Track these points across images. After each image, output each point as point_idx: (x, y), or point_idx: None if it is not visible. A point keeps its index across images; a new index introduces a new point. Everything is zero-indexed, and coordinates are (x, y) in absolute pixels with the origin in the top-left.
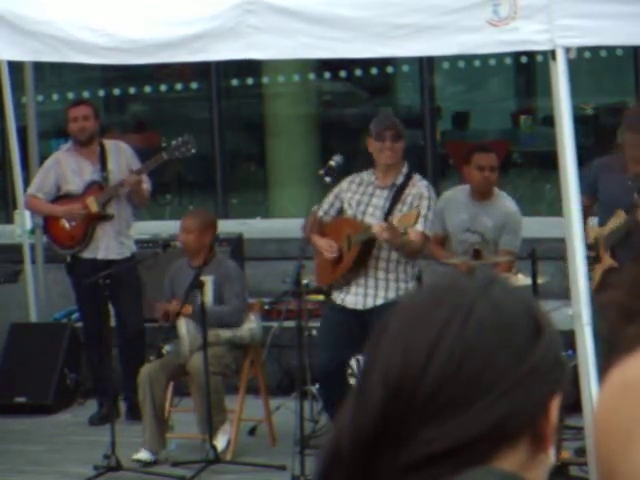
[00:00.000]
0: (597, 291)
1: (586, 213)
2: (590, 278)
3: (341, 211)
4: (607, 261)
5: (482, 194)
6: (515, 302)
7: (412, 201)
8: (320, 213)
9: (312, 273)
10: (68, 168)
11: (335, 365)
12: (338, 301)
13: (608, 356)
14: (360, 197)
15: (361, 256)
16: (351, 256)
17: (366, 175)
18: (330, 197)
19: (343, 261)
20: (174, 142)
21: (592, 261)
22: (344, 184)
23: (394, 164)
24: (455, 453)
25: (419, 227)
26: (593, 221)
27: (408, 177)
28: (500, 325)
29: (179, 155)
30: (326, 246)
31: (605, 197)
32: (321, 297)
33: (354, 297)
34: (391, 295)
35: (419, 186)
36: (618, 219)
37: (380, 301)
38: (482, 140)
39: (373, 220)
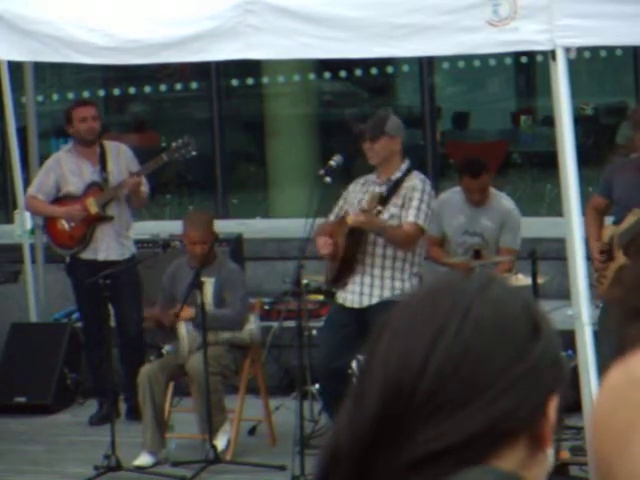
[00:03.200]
0: (610, 288)
1: (603, 213)
2: (604, 276)
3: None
4: (620, 259)
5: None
6: (513, 302)
7: (406, 193)
8: (332, 217)
9: (312, 273)
10: (68, 169)
11: (336, 365)
12: (340, 300)
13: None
14: (361, 196)
15: (348, 249)
16: (340, 251)
17: (371, 175)
18: (340, 201)
19: (336, 257)
20: (174, 144)
21: (606, 259)
22: (350, 186)
23: (382, 163)
24: (453, 452)
25: (411, 218)
26: (609, 221)
27: (406, 173)
28: (498, 325)
29: (179, 157)
30: (321, 243)
31: (620, 196)
32: (321, 297)
33: (351, 295)
34: (386, 294)
35: (413, 178)
36: (633, 217)
37: (375, 300)
38: (481, 142)
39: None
